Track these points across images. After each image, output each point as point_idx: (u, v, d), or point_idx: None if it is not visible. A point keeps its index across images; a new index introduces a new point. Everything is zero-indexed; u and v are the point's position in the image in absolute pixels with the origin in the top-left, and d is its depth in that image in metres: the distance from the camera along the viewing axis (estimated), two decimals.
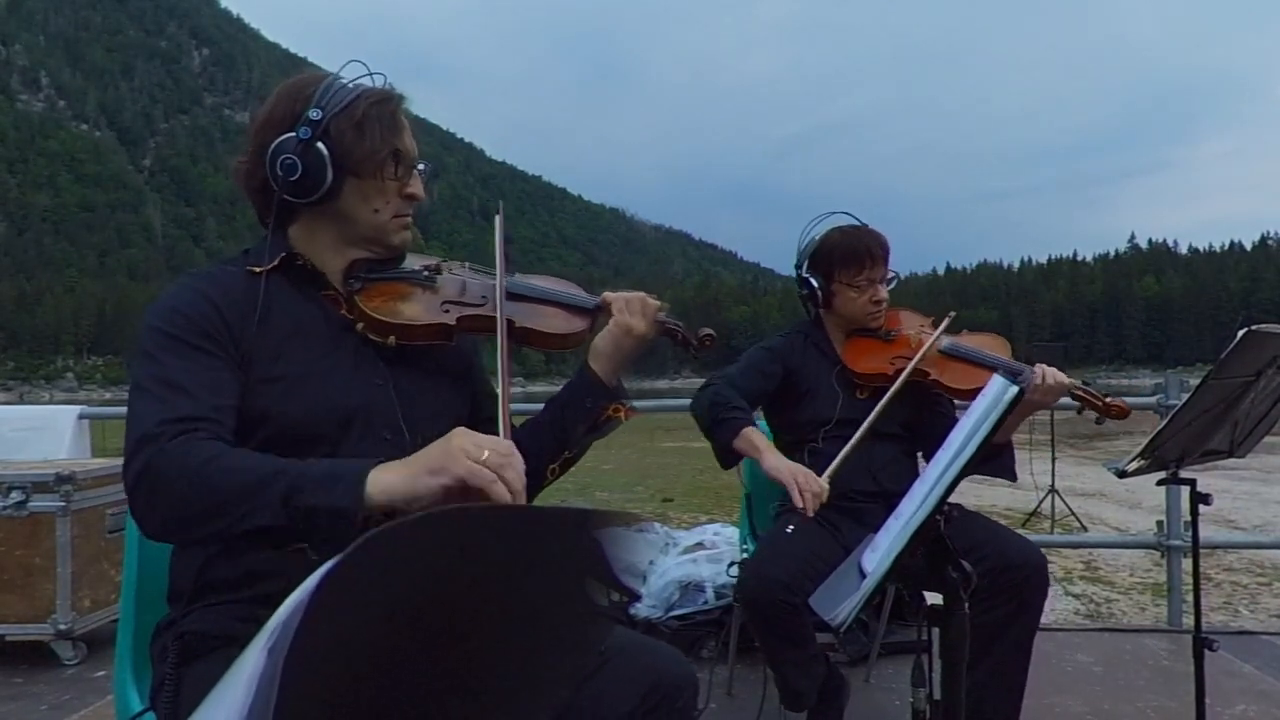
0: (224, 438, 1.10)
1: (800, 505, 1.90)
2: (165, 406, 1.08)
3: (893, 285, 2.31)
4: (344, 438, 1.20)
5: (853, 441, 2.05)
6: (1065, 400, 2.15)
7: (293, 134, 1.23)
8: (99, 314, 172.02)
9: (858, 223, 2.33)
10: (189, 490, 1.00)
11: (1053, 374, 2.05)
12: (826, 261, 2.29)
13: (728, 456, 2.18)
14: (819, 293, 2.30)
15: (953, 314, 2.32)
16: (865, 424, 2.08)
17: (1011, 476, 2.19)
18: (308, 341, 1.24)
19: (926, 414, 2.30)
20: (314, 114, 1.22)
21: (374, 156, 1.25)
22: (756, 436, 2.11)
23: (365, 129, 1.24)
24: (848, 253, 2.25)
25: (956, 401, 2.34)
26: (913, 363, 2.17)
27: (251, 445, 1.16)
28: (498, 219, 1.39)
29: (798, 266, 2.36)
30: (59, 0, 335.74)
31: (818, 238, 2.33)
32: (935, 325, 2.32)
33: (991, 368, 2.12)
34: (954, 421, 2.23)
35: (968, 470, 1.40)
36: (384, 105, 1.27)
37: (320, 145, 1.22)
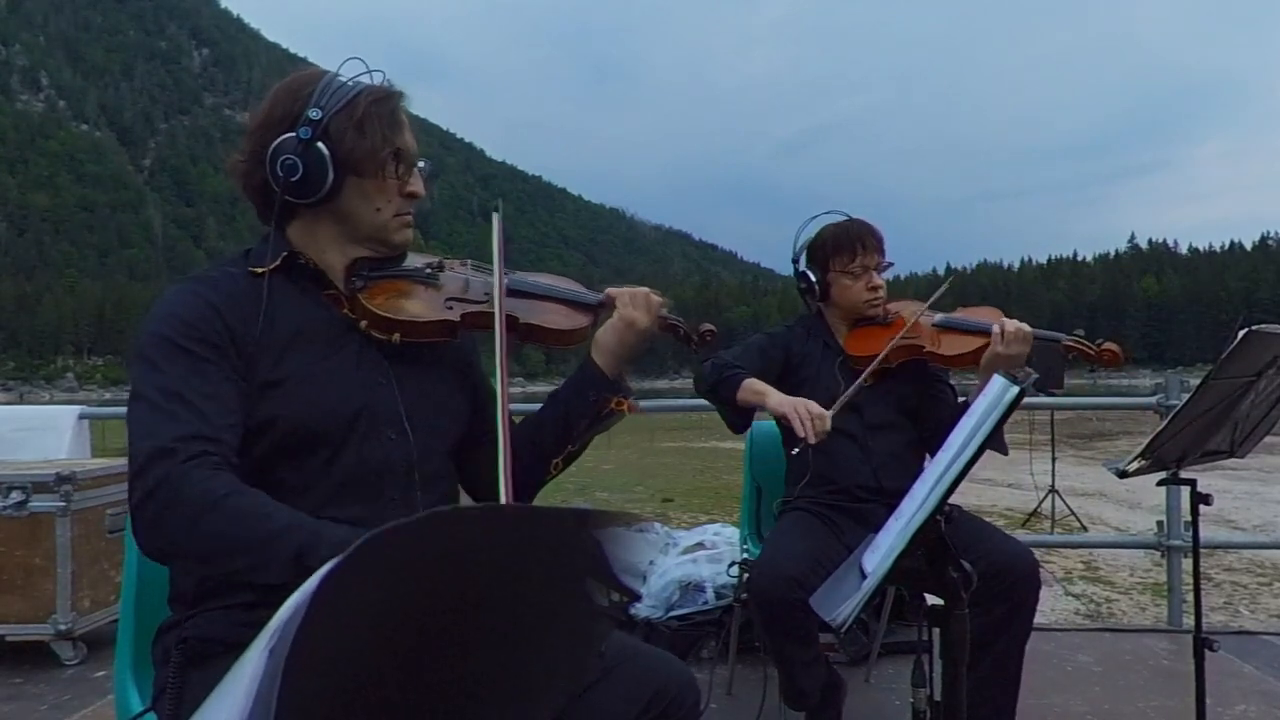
0: (233, 461, 1.10)
1: (802, 434, 1.94)
2: (176, 422, 1.08)
3: (888, 271, 2.34)
4: (348, 438, 1.20)
5: (856, 384, 2.11)
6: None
7: (293, 134, 1.21)
8: (99, 314, 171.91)
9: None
10: (202, 526, 1.01)
11: (1013, 324, 2.07)
12: (821, 253, 2.34)
13: (736, 415, 2.23)
14: (817, 285, 2.34)
15: (951, 278, 2.33)
16: (862, 376, 2.12)
17: (1003, 449, 2.18)
18: (310, 343, 1.23)
19: (927, 401, 2.31)
20: (314, 113, 1.21)
21: (375, 156, 1.25)
22: (757, 384, 2.15)
23: (366, 128, 1.23)
24: (840, 241, 2.31)
25: (958, 393, 2.35)
26: (904, 330, 2.19)
27: (258, 450, 1.16)
28: (495, 217, 1.38)
29: (795, 262, 2.41)
30: (59, 0, 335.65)
31: (812, 233, 2.39)
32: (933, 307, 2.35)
33: (982, 331, 2.13)
34: (953, 407, 2.25)
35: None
36: (384, 103, 1.26)
37: (321, 145, 1.21)
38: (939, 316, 2.28)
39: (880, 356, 2.15)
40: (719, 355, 2.29)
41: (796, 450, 2.03)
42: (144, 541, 1.07)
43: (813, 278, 2.35)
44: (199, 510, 1.01)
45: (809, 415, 1.96)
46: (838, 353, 2.34)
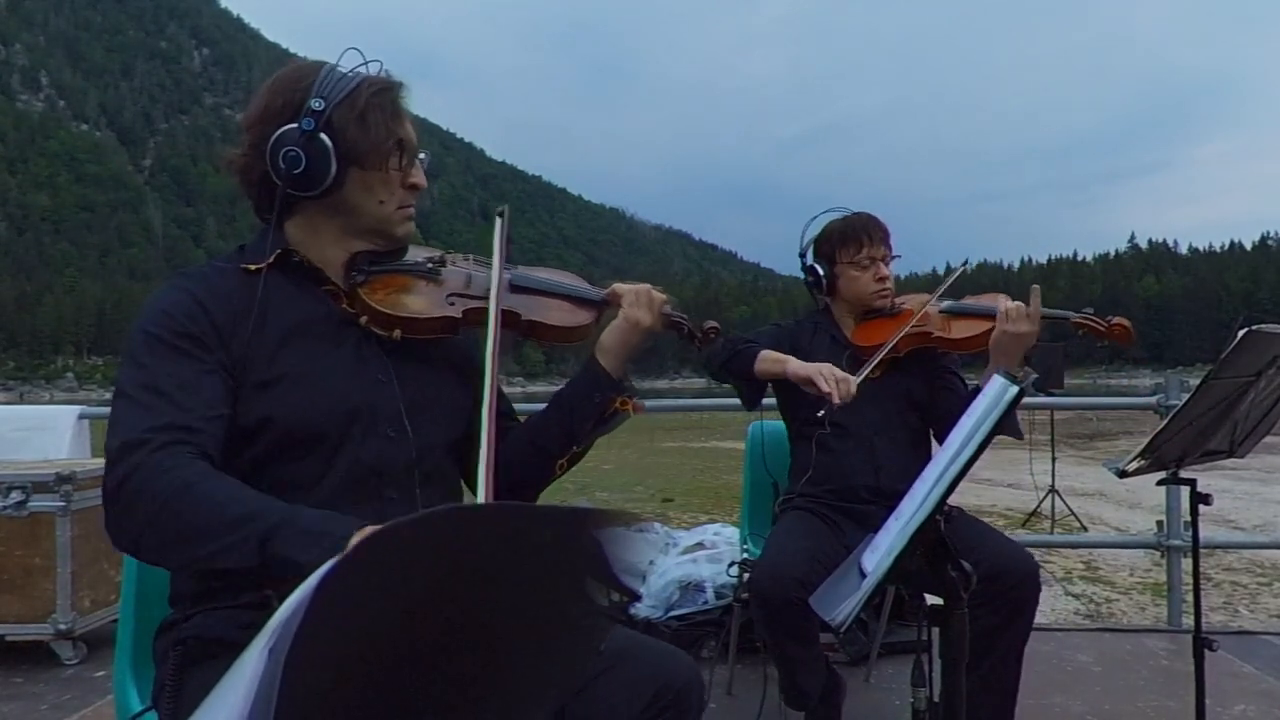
0: (210, 453, 1.08)
1: (827, 391, 1.98)
2: (150, 413, 1.06)
3: (896, 261, 2.36)
4: (347, 436, 1.19)
5: (875, 358, 2.15)
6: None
7: (294, 125, 1.20)
8: (99, 314, 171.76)
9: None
10: (165, 513, 0.98)
11: (1016, 303, 2.04)
12: (828, 246, 2.36)
13: (752, 390, 2.28)
14: (824, 279, 2.36)
15: (961, 268, 2.33)
16: (880, 351, 2.16)
17: (1017, 434, 2.15)
18: (308, 339, 1.22)
19: (938, 392, 2.31)
20: (316, 104, 1.20)
21: (379, 147, 1.23)
22: (774, 353, 2.20)
23: (369, 119, 1.22)
24: (846, 233, 2.34)
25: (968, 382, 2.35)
26: (914, 318, 2.22)
27: (255, 450, 1.14)
28: (499, 221, 1.37)
29: (801, 256, 2.43)
30: (59, 0, 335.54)
31: (818, 230, 2.41)
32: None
33: (990, 315, 2.12)
34: (964, 396, 2.24)
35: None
36: (385, 94, 1.25)
37: (324, 137, 1.20)
38: (946, 303, 2.30)
39: (897, 337, 2.18)
40: (728, 337, 2.31)
41: (822, 413, 2.05)
42: (114, 531, 1.03)
43: (820, 271, 2.37)
44: (168, 496, 0.98)
45: (834, 377, 2.00)
46: (845, 346, 2.35)
